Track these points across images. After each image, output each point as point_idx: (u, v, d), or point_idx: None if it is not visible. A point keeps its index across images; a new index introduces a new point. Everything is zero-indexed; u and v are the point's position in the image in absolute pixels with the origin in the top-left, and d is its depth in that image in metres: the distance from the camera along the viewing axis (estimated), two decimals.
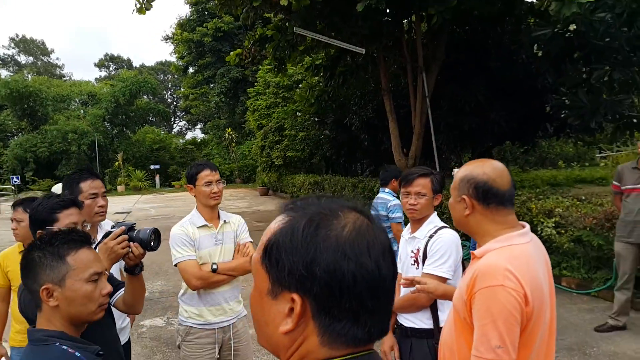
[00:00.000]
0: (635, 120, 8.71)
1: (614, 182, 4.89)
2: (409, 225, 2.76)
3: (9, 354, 3.01)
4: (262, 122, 22.36)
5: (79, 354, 1.33)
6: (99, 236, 2.70)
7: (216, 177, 2.91)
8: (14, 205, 2.99)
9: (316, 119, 14.78)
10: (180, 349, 2.94)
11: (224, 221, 3.00)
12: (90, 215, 2.59)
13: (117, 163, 34.35)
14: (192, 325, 2.88)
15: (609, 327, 4.83)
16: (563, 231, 6.53)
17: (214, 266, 2.81)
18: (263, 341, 0.81)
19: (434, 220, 2.64)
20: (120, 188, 31.66)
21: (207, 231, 2.91)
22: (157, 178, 34.95)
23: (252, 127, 24.89)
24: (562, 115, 8.88)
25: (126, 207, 21.24)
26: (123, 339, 2.72)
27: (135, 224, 2.05)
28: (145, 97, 41.94)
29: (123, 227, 1.99)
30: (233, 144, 33.25)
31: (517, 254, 1.60)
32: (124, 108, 37.45)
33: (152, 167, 35.07)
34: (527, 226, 1.73)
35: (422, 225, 2.62)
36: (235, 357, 2.98)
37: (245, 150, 32.36)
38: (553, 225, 6.60)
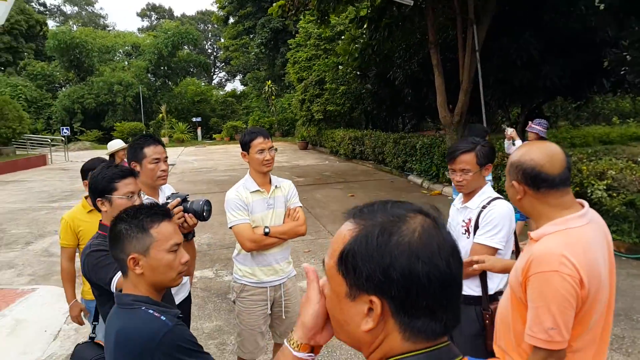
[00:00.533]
0: None
1: None
2: (460, 195, 2.73)
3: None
4: (302, 75, 22.16)
5: (164, 318, 1.44)
6: (161, 199, 2.81)
7: (269, 145, 2.96)
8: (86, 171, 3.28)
9: (358, 73, 14.48)
10: (235, 304, 3.09)
11: (275, 186, 3.06)
12: (153, 178, 2.72)
13: (160, 115, 35.09)
14: (246, 283, 3.01)
15: None
16: (615, 194, 6.30)
17: (266, 229, 2.91)
18: (343, 337, 0.87)
19: (487, 191, 2.60)
20: (164, 140, 32.34)
21: (260, 196, 2.99)
22: (198, 130, 35.57)
23: (292, 80, 24.74)
24: (622, 72, 8.34)
25: (170, 159, 21.76)
26: (184, 295, 2.88)
27: (188, 195, 2.17)
28: (186, 48, 42.13)
29: (178, 199, 2.10)
30: (273, 97, 33.18)
31: (573, 238, 1.59)
32: (167, 60, 37.80)
33: (194, 119, 35.67)
34: (587, 206, 1.70)
35: (474, 196, 2.59)
36: (286, 313, 3.12)
37: (284, 104, 32.36)
38: (604, 187, 6.37)
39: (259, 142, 2.93)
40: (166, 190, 2.90)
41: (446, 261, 0.78)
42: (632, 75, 7.72)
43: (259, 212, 2.95)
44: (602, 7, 7.79)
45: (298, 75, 22.66)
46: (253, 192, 2.97)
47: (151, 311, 1.46)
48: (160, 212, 1.58)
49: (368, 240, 0.79)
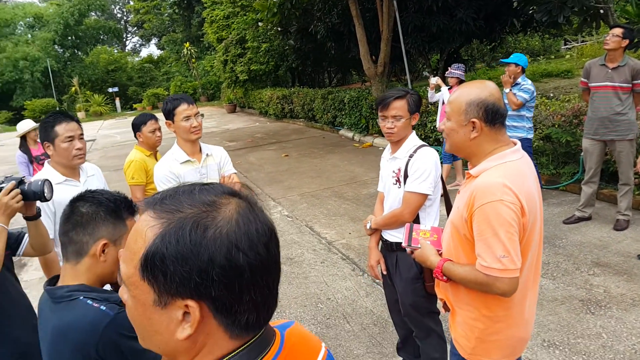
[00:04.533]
0: (601, 11, 8.65)
1: (582, 79, 4.94)
2: (388, 146, 2.78)
3: None
4: (221, 35, 21.28)
5: (104, 308, 1.36)
6: (82, 179, 2.65)
7: (194, 111, 2.83)
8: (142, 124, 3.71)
9: (279, 29, 14.12)
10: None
11: (207, 154, 2.96)
12: (69, 158, 2.56)
13: (73, 88, 32.68)
14: None
15: (576, 218, 5.15)
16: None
17: None
18: (154, 348, 0.77)
19: (413, 140, 2.65)
20: (80, 115, 30.41)
21: (191, 166, 2.89)
22: (117, 101, 33.62)
23: (212, 41, 23.71)
24: (530, 11, 8.71)
25: (89, 134, 20.56)
26: None
27: (24, 177, 2.09)
28: (93, 14, 39.04)
29: (14, 182, 2.01)
30: (193, 60, 31.78)
31: (511, 169, 1.69)
32: (74, 29, 34.92)
33: (110, 90, 33.55)
34: (519, 143, 1.80)
35: (401, 145, 2.64)
36: None
37: (206, 66, 31.08)
38: None
39: (183, 109, 2.81)
40: (88, 170, 2.73)
41: (266, 246, 0.72)
42: (539, 14, 8.06)
43: None
44: None
45: (217, 35, 21.74)
46: (183, 162, 2.86)
47: (89, 302, 1.38)
48: (135, 208, 1.51)
49: (179, 238, 0.68)
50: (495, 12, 11.32)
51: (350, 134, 11.92)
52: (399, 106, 2.56)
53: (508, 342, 1.81)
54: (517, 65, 5.40)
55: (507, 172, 1.67)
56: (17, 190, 2.00)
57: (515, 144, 1.78)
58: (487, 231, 1.63)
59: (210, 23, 22.24)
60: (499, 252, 1.62)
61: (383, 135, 11.80)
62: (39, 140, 6.00)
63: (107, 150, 15.58)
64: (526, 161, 1.78)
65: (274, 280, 0.75)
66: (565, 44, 24.41)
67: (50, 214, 2.51)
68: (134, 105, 34.38)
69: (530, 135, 5.46)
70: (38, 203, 2.16)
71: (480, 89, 1.75)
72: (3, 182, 2.04)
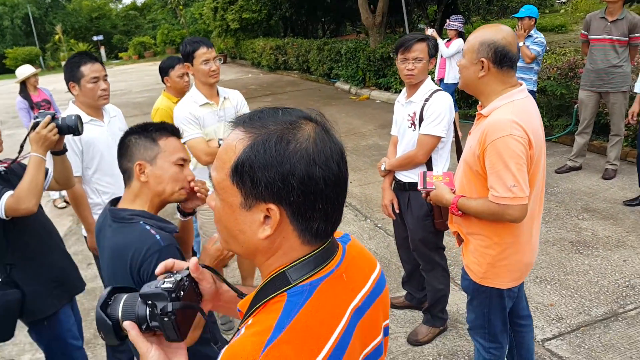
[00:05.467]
0: None
1: (582, 31, 5.05)
2: (403, 90, 2.91)
3: None
4: None
5: (158, 237, 1.50)
6: (105, 120, 2.75)
7: (213, 55, 2.90)
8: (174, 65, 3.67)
9: None
10: (197, 217, 3.20)
11: (224, 97, 3.05)
12: (94, 98, 2.62)
13: (56, 36, 31.65)
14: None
15: (568, 168, 5.40)
16: None
17: (220, 142, 2.93)
18: (236, 247, 0.87)
19: (429, 84, 2.79)
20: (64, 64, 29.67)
21: (209, 108, 2.97)
22: (102, 50, 32.67)
23: None
24: None
25: None
26: None
27: (55, 113, 2.17)
28: None
29: (49, 116, 2.11)
30: (181, 7, 30.77)
31: (519, 107, 1.86)
32: None
33: (94, 38, 32.52)
34: (524, 84, 1.98)
35: (417, 89, 2.78)
36: None
37: (195, 14, 30.19)
38: None
39: (202, 52, 2.87)
40: (110, 111, 2.82)
41: (337, 164, 0.81)
42: None
43: (210, 125, 2.95)
44: None
45: None
46: (202, 105, 2.94)
47: (148, 227, 1.52)
48: (169, 128, 1.64)
49: (265, 148, 0.78)
50: None
51: (346, 87, 11.93)
52: (420, 48, 2.68)
53: (516, 267, 2.04)
54: (530, 17, 5.41)
55: (515, 109, 1.84)
56: (53, 124, 2.10)
57: (521, 84, 1.94)
58: (499, 164, 1.80)
59: None
60: (509, 181, 1.79)
61: (380, 88, 11.71)
62: (38, 86, 6.04)
63: None
64: (531, 100, 1.95)
65: (342, 195, 0.84)
66: None
67: (78, 152, 2.62)
68: (120, 54, 33.52)
69: (535, 88, 5.59)
70: (65, 140, 2.28)
71: (495, 32, 1.88)
72: (37, 118, 2.13)
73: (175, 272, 1.01)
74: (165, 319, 0.90)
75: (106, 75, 2.68)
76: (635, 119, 4.38)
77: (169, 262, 1.02)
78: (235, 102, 3.16)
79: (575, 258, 3.74)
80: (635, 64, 5.23)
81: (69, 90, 2.66)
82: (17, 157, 2.27)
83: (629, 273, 3.48)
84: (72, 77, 2.60)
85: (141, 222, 1.53)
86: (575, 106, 6.20)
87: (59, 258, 2.42)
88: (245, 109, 3.20)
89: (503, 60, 1.86)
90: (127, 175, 1.60)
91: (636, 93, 4.33)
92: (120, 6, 41.78)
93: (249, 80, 16.29)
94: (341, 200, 0.85)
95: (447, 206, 2.11)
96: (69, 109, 2.68)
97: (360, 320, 0.90)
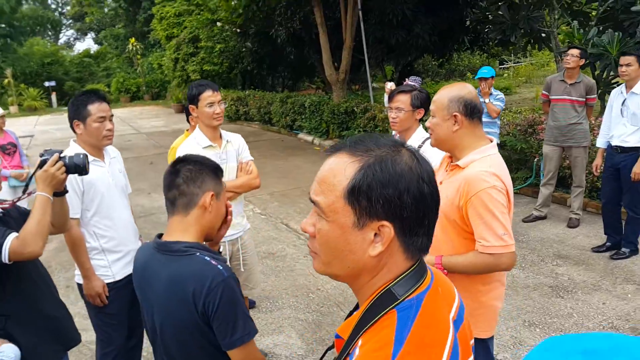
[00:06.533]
0: (543, 35, 9.52)
1: (543, 92, 5.52)
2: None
3: None
4: (172, 32, 20.87)
5: (220, 267, 1.48)
6: (106, 161, 2.67)
7: (218, 98, 2.95)
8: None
9: (238, 30, 14.14)
10: None
11: (227, 141, 3.09)
12: (99, 138, 2.55)
13: (6, 80, 30.54)
14: None
15: (534, 217, 5.70)
16: None
17: None
18: (339, 269, 0.90)
19: (420, 132, 2.95)
20: (12, 109, 28.49)
21: (212, 151, 2.99)
22: (53, 96, 31.80)
23: (160, 38, 23.17)
24: (486, 30, 9.40)
25: (26, 129, 19.42)
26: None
27: (62, 150, 2.11)
28: (28, 1, 36.76)
29: (57, 154, 2.04)
30: (138, 56, 30.79)
31: (495, 161, 1.97)
32: (8, 16, 32.62)
33: (46, 84, 31.66)
34: (494, 139, 2.12)
35: (409, 138, 2.93)
36: (244, 266, 3.24)
37: (154, 63, 30.24)
38: None
39: (208, 95, 2.92)
40: (110, 152, 2.75)
41: (435, 182, 0.89)
42: (494, 32, 8.76)
43: None
44: None
45: (167, 33, 21.27)
46: (205, 147, 2.97)
47: (207, 258, 1.49)
48: (222, 170, 1.68)
49: (382, 168, 0.83)
50: (448, 29, 12.07)
51: (309, 138, 12.17)
52: (402, 99, 2.87)
53: (492, 315, 2.08)
54: (492, 77, 5.90)
55: (493, 162, 1.95)
56: (61, 162, 2.01)
57: (491, 140, 2.06)
58: (486, 214, 1.85)
59: (160, 20, 21.74)
60: (499, 230, 1.85)
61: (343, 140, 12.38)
62: (5, 128, 5.79)
63: (48, 147, 14.79)
64: (499, 155, 2.08)
65: (437, 212, 0.91)
66: (501, 64, 26.10)
67: (80, 193, 2.51)
68: None
69: (499, 141, 5.98)
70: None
71: (460, 88, 2.02)
72: (44, 155, 2.04)
73: None
74: None
75: (112, 116, 2.64)
76: (598, 171, 4.74)
77: None
78: (237, 146, 3.19)
79: (557, 302, 3.90)
80: (593, 121, 5.72)
81: (72, 128, 2.59)
82: (21, 197, 2.16)
83: (610, 315, 3.66)
84: (78, 115, 2.53)
85: (198, 254, 1.50)
86: (535, 160, 6.65)
87: (54, 306, 2.26)
88: (246, 152, 3.24)
89: (473, 112, 1.97)
90: (185, 201, 1.56)
91: (598, 147, 4.70)
92: (73, 53, 41.22)
93: None
94: (436, 217, 0.91)
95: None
96: (70, 148, 2.60)
97: (458, 332, 0.93)
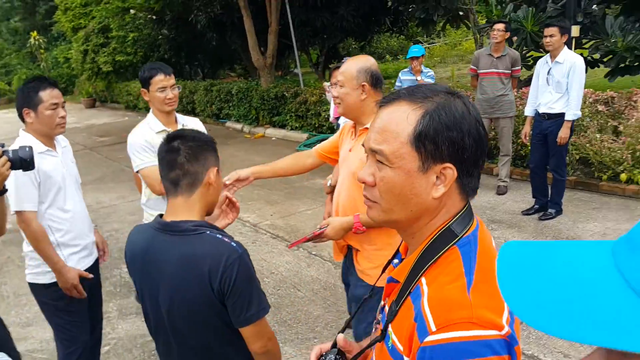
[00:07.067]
0: (461, 13, 9.97)
1: (472, 66, 5.77)
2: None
3: None
4: (78, 23, 19.44)
5: (234, 244, 1.43)
6: (58, 150, 2.48)
7: (171, 82, 2.79)
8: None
9: (154, 17, 13.46)
10: None
11: (182, 125, 2.92)
12: (52, 127, 2.37)
13: None
14: None
15: None
16: None
17: None
18: (402, 213, 0.92)
19: None
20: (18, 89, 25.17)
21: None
22: None
23: (65, 30, 21.51)
24: (410, 9, 9.64)
25: None
26: (92, 260, 2.61)
27: (3, 144, 1.88)
28: None
29: (1, 149, 1.83)
30: (42, 51, 28.43)
31: None
32: None
33: None
34: None
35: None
36: None
37: (60, 57, 28.03)
38: None
39: (159, 79, 2.76)
40: (61, 141, 2.55)
41: (484, 126, 0.94)
42: (418, 11, 9.01)
43: None
44: None
45: (73, 24, 19.78)
46: (159, 132, 2.80)
47: (219, 236, 1.45)
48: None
49: (446, 112, 0.87)
50: (371, 11, 12.26)
51: (238, 126, 11.91)
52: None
53: None
54: (423, 55, 6.09)
55: None
56: (5, 157, 1.80)
57: None
58: None
59: (65, 11, 20.15)
60: None
61: (275, 126, 11.88)
62: None
63: None
64: None
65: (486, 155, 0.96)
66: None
67: (36, 184, 2.32)
68: None
69: None
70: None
71: (365, 60, 2.15)
72: None
73: (324, 353, 1.08)
74: None
75: (64, 102, 2.45)
76: (527, 138, 5.05)
77: (316, 349, 1.11)
78: None
79: None
80: (516, 92, 6.07)
81: (22, 117, 2.37)
82: None
83: None
84: (28, 103, 2.32)
85: (208, 232, 1.45)
86: None
87: None
88: None
89: (378, 82, 2.12)
90: (189, 180, 1.48)
91: (526, 116, 5.00)
92: None
93: (127, 122, 15.41)
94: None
95: (349, 229, 2.11)
96: (20, 138, 2.35)
97: None
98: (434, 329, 0.80)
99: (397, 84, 6.55)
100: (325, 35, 12.09)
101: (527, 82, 6.66)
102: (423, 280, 0.88)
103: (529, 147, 5.97)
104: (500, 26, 5.32)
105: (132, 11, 13.59)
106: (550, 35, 4.43)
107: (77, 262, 2.47)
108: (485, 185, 6.07)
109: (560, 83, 4.48)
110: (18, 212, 2.27)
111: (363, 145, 0.99)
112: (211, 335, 1.47)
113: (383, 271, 1.14)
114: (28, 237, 2.31)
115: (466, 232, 0.91)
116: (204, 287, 1.40)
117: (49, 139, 2.42)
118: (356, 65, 2.11)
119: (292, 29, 9.79)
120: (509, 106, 5.50)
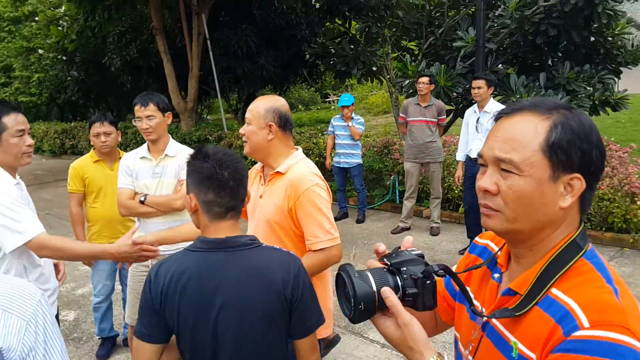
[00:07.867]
0: (375, 68, 10.66)
1: (401, 114, 6.16)
2: None
3: None
4: None
5: (291, 253, 1.55)
6: (17, 179, 2.24)
7: (146, 113, 2.71)
8: (96, 122, 3.35)
9: (64, 58, 12.79)
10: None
11: (165, 155, 2.83)
12: (18, 156, 2.13)
13: None
14: None
15: (400, 229, 6.24)
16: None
17: (142, 198, 2.80)
18: (528, 222, 0.91)
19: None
20: None
21: (147, 163, 2.85)
22: None
23: None
24: (331, 62, 10.14)
25: None
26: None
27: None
28: None
29: None
30: None
31: (310, 163, 2.12)
32: None
33: None
34: (299, 148, 2.19)
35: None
36: None
37: None
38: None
39: (137, 109, 2.75)
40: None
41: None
42: (339, 64, 9.48)
43: (142, 179, 2.84)
44: (317, 5, 9.23)
45: None
46: (142, 157, 2.86)
47: (276, 247, 1.51)
48: None
49: (578, 124, 0.89)
50: (289, 62, 12.72)
51: None
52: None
53: (329, 313, 2.14)
54: (352, 104, 6.40)
55: (309, 164, 2.09)
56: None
57: (297, 149, 2.15)
58: (314, 211, 1.95)
59: None
60: (327, 225, 1.96)
61: None
62: None
63: None
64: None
65: None
66: (325, 97, 28.14)
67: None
68: None
69: (361, 161, 6.47)
70: (21, 195, 1.82)
71: (275, 100, 2.10)
72: None
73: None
74: (428, 282, 0.93)
75: (30, 129, 2.23)
76: (460, 181, 5.44)
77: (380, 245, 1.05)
78: (182, 161, 2.93)
79: None
80: (444, 138, 6.58)
81: None
82: None
83: None
84: None
85: (263, 245, 1.48)
86: (392, 177, 7.33)
87: None
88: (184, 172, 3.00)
89: (286, 124, 2.07)
90: (235, 205, 1.46)
91: (458, 161, 5.40)
92: None
93: (30, 166, 14.07)
94: None
95: None
96: None
97: None
98: (586, 325, 0.80)
99: (330, 129, 6.80)
100: (246, 83, 12.26)
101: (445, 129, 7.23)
102: (555, 290, 0.88)
103: (456, 191, 6.47)
104: (425, 79, 5.80)
105: (40, 51, 12.78)
106: (478, 87, 4.91)
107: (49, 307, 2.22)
108: (417, 227, 6.38)
109: (489, 130, 4.92)
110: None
111: (480, 155, 0.98)
112: (272, 350, 1.45)
113: (464, 290, 1.00)
114: (52, 252, 2.11)
115: (588, 246, 0.93)
116: (279, 296, 1.40)
117: (13, 171, 2.17)
118: (265, 104, 2.05)
119: (215, 75, 9.82)
120: (438, 152, 5.93)
